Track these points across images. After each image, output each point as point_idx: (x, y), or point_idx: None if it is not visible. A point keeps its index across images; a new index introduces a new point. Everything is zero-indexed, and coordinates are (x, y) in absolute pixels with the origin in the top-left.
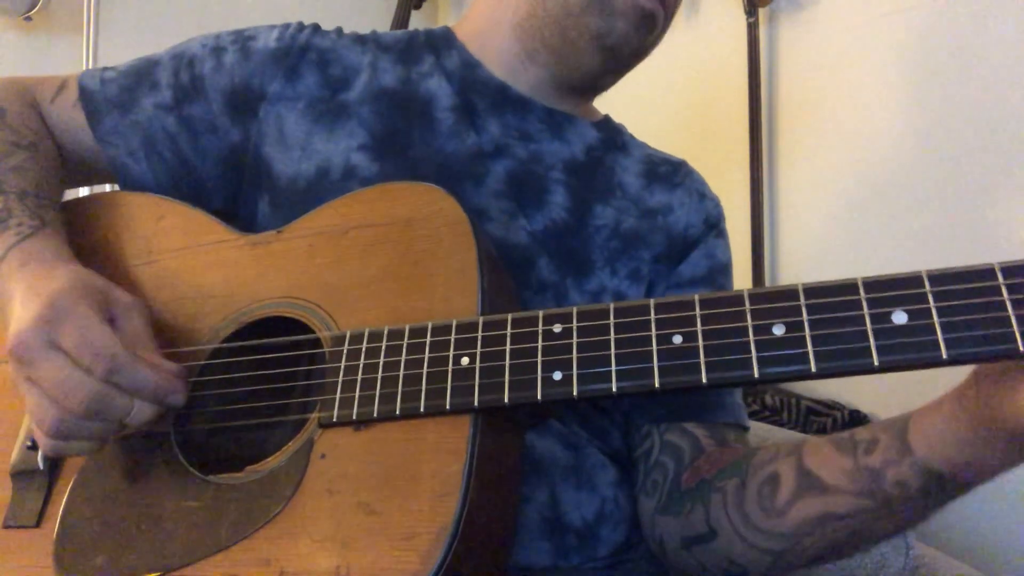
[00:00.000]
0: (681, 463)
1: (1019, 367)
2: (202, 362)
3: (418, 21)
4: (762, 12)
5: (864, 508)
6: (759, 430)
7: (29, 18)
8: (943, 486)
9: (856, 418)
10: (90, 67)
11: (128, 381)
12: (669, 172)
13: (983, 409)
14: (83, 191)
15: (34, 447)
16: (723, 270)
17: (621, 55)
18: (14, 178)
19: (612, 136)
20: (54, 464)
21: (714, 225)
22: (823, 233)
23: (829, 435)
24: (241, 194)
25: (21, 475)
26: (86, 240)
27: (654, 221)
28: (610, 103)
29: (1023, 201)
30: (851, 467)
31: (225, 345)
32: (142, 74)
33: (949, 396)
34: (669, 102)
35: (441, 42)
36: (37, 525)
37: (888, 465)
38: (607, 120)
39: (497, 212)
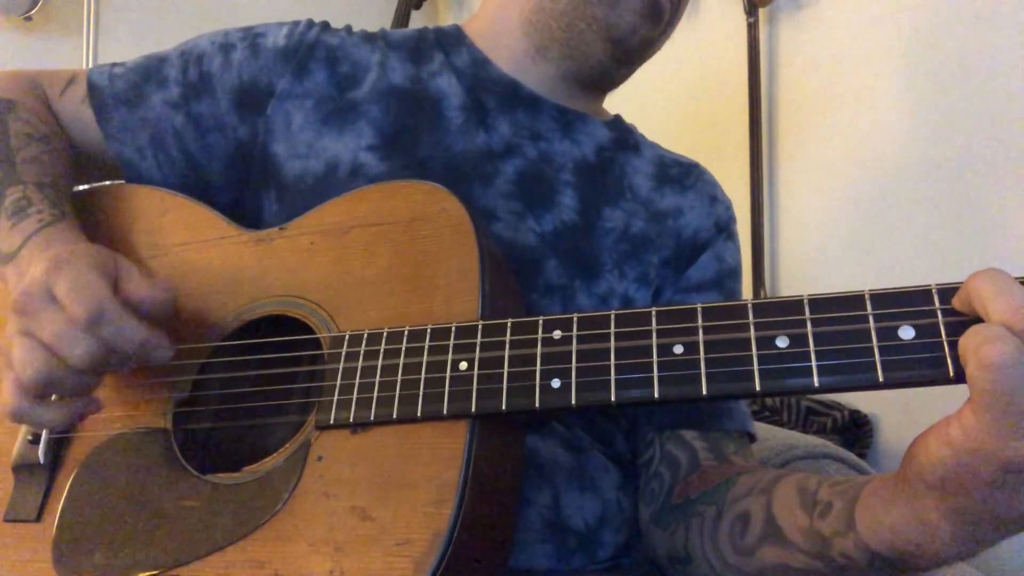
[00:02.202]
0: (676, 477)
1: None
2: (203, 360)
3: (418, 21)
4: (762, 12)
5: (817, 569)
6: (759, 430)
7: (29, 18)
8: (892, 566)
9: (856, 418)
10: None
11: (113, 332)
12: (680, 174)
13: (908, 474)
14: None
15: (35, 441)
16: (731, 274)
17: (629, 47)
18: (31, 169)
19: (624, 136)
20: (55, 459)
21: (723, 228)
22: (823, 233)
23: (801, 480)
24: (248, 190)
25: (22, 469)
26: (95, 231)
27: (663, 224)
28: (609, 103)
29: (1022, 199)
30: (806, 527)
31: (226, 343)
32: (151, 70)
33: (887, 479)
34: (669, 102)
35: (451, 40)
36: (38, 519)
37: (836, 536)
38: (618, 120)
39: (505, 213)
